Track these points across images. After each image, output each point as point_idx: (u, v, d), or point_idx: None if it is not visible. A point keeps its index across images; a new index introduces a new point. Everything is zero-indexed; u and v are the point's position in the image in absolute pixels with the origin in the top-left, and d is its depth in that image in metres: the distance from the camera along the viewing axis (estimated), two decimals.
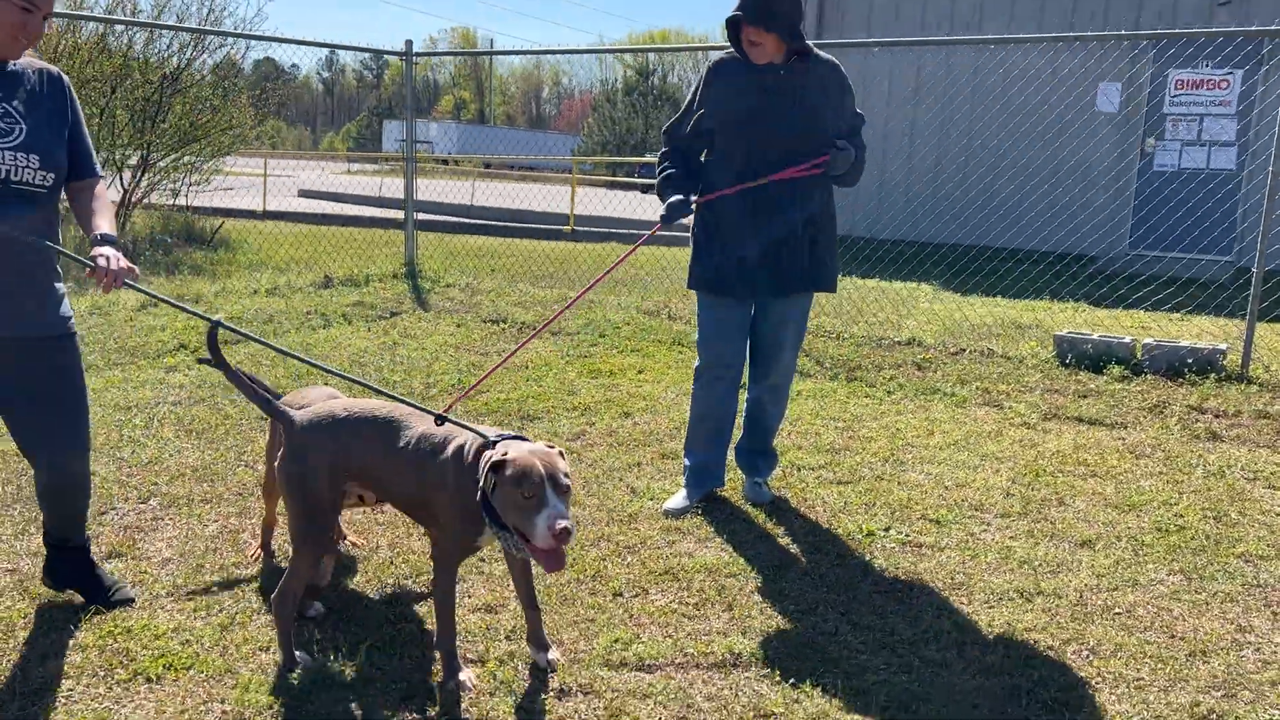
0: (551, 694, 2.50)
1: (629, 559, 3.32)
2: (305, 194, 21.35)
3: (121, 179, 10.79)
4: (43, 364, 2.69)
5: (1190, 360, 6.07)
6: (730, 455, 3.99)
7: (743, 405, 3.97)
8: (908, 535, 3.61)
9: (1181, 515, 3.86)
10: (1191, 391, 5.69)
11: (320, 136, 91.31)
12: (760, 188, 3.47)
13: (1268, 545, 3.59)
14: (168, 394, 5.05)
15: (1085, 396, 5.68)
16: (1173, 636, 2.92)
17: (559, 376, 5.70)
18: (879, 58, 12.90)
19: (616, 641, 2.75)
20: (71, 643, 2.67)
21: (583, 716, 2.42)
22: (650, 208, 16.71)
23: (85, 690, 2.46)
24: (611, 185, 35.56)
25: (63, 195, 2.77)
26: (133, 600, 2.91)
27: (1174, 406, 5.46)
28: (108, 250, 2.61)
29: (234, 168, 18.85)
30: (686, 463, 3.88)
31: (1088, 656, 2.79)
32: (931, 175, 13.19)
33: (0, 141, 2.55)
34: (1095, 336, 6.45)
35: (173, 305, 2.86)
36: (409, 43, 9.13)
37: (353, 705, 2.43)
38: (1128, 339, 6.36)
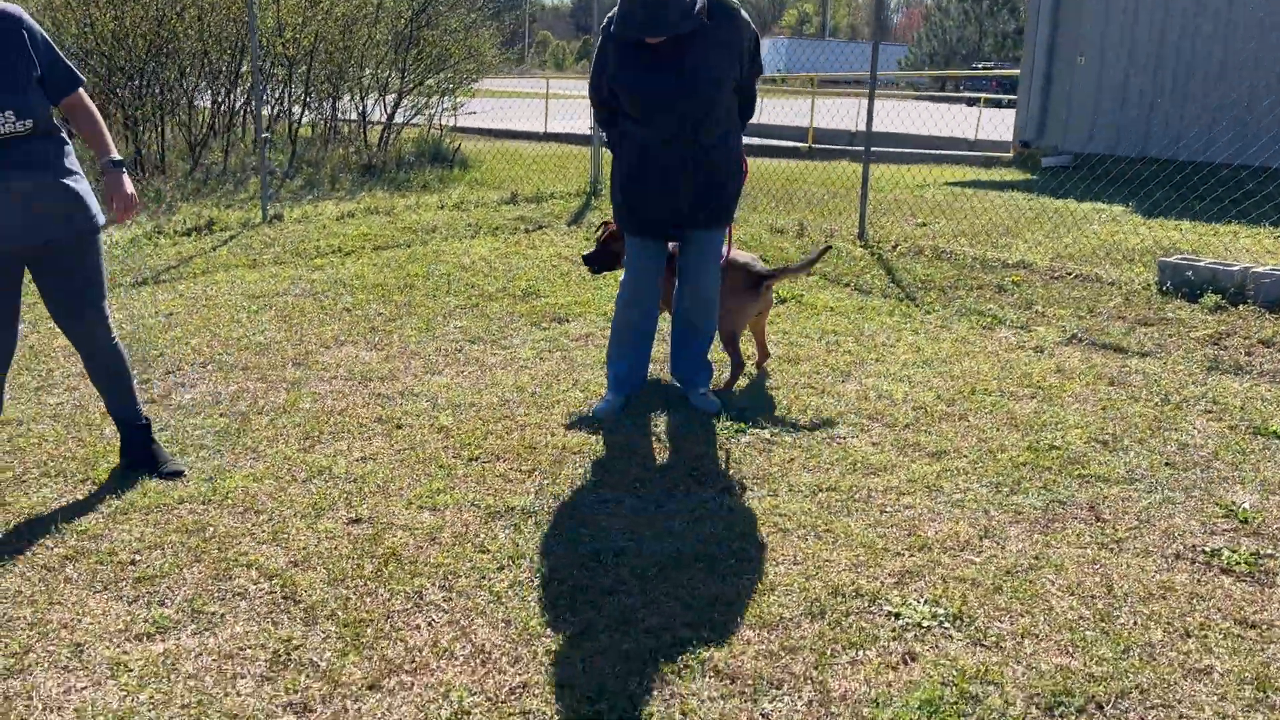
0: None
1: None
2: None
3: (384, 102, 12.45)
4: (68, 261, 3.27)
5: None
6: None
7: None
8: (772, 434, 3.94)
9: (1068, 440, 3.86)
10: (1276, 325, 5.26)
11: None
12: (661, 149, 3.87)
13: (1123, 469, 3.57)
14: (294, 287, 6.25)
15: (1148, 324, 5.43)
16: (908, 534, 3.14)
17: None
18: None
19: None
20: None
21: None
22: (957, 124, 16.32)
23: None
24: (935, 99, 34.36)
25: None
26: (182, 473, 3.48)
27: (1234, 339, 5.12)
28: (120, 182, 3.29)
29: (517, 88, 20.47)
30: (609, 371, 4.34)
31: (813, 539, 3.10)
32: (1161, 83, 11.94)
33: None
34: (1203, 263, 6.02)
35: None
36: None
37: None
38: (1237, 266, 5.88)
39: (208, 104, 11.77)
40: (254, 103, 8.68)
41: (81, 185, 3.28)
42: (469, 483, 3.49)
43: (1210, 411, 4.15)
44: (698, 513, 3.28)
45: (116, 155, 3.37)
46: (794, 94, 27.07)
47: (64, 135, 3.28)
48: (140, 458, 3.55)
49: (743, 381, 4.54)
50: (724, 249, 4.23)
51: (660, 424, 4.07)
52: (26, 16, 3.14)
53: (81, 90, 3.31)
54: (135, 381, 3.61)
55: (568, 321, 5.53)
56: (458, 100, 13.28)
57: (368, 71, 11.84)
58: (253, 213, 8.51)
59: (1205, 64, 11.69)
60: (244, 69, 10.93)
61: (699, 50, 3.71)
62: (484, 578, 2.87)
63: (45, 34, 3.21)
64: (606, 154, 11.49)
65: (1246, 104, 11.08)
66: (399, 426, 4.00)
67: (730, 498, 3.39)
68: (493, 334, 5.29)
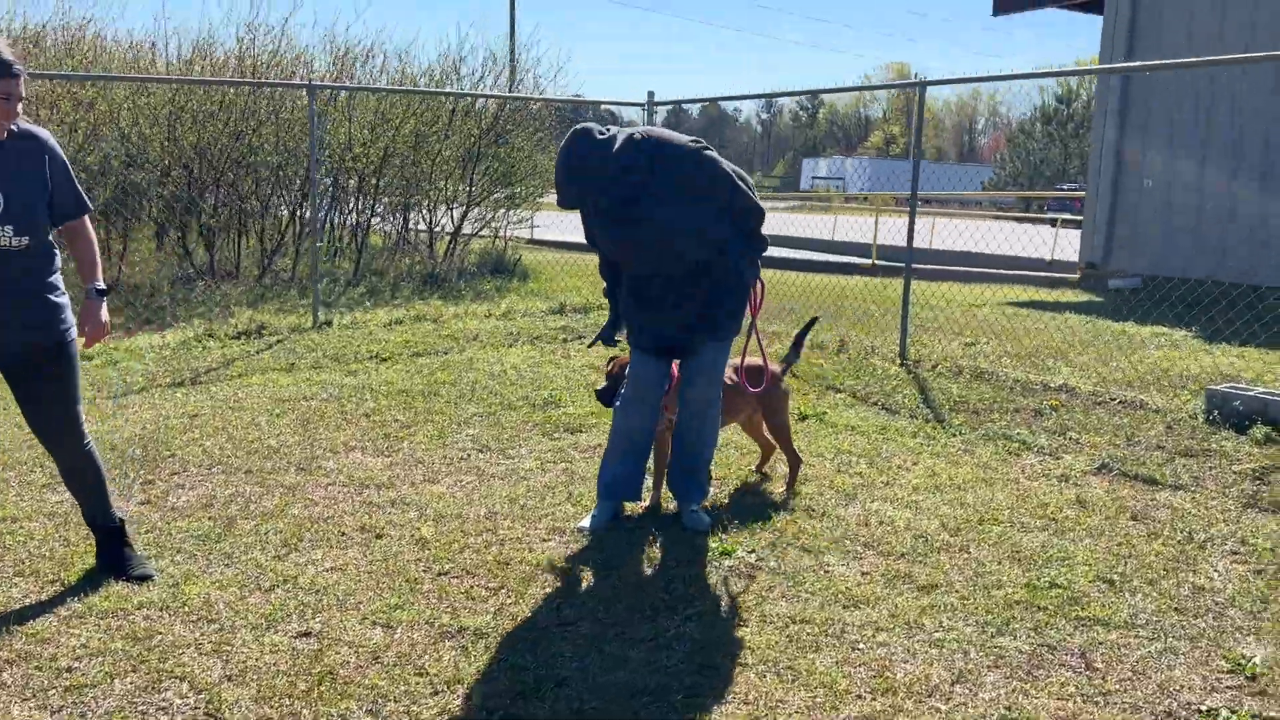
0: None
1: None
2: None
3: (452, 214, 12.84)
4: (45, 370, 3.32)
5: None
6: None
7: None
8: (759, 558, 3.78)
9: (1072, 578, 3.61)
10: None
11: (763, 175, 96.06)
12: (650, 281, 3.95)
13: (1126, 613, 3.31)
14: (321, 392, 6.34)
15: (1188, 455, 5.14)
16: (876, 674, 2.94)
17: None
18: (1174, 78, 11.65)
19: None
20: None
21: None
22: (1034, 244, 16.20)
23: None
24: (1020, 220, 34.17)
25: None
26: (151, 577, 3.45)
27: (1278, 476, 4.80)
28: (97, 309, 3.40)
29: None
30: (599, 480, 4.25)
31: (772, 676, 2.91)
32: (1230, 208, 11.59)
33: None
34: (1254, 391, 5.71)
35: None
36: (650, 94, 10.06)
37: None
38: None
39: (286, 214, 12.27)
40: (310, 212, 8.98)
41: (62, 299, 3.38)
42: (430, 599, 3.40)
43: (1237, 553, 3.86)
44: (658, 641, 3.13)
45: (101, 285, 3.50)
46: (866, 211, 27.16)
47: (55, 250, 3.38)
48: (111, 560, 3.55)
49: (744, 499, 4.40)
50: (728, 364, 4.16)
51: (646, 542, 3.94)
52: (51, 140, 3.31)
53: (86, 218, 3.46)
54: (109, 484, 3.62)
55: (581, 432, 5.47)
56: (522, 214, 13.60)
57: (436, 185, 12.23)
58: (304, 318, 8.74)
59: (1277, 185, 11.36)
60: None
61: (662, 198, 3.71)
62: (414, 703, 2.75)
63: (66, 159, 3.37)
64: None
65: None
66: (379, 536, 3.96)
67: (696, 626, 3.23)
68: (502, 443, 5.25)
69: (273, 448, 5.13)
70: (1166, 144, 12.28)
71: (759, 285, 4.07)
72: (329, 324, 8.61)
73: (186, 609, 3.29)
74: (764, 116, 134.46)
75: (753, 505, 4.37)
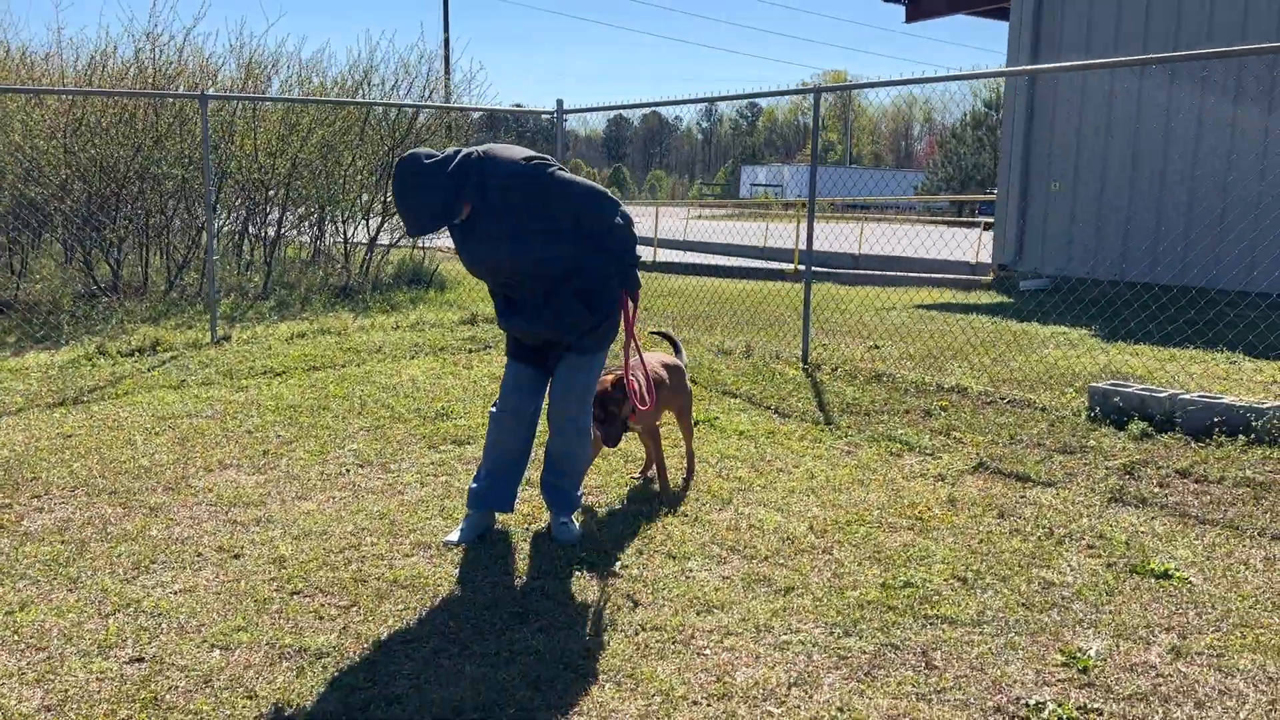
0: None
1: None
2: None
3: (368, 225, 12.68)
4: None
5: (1225, 420, 5.34)
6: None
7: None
8: (622, 566, 3.75)
9: (928, 577, 3.64)
10: (1199, 454, 5.04)
11: (703, 183, 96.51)
12: (512, 292, 3.93)
13: (974, 610, 3.34)
14: (206, 409, 6.19)
15: (1066, 453, 5.23)
16: (716, 679, 2.92)
17: None
18: (1093, 78, 11.92)
19: None
20: None
21: None
22: (961, 248, 16.46)
23: None
24: (951, 224, 34.74)
25: None
26: None
27: (1150, 469, 4.90)
28: None
29: None
30: (469, 489, 4.19)
31: (611, 686, 2.89)
32: (1135, 207, 11.90)
33: None
34: (1132, 388, 5.83)
35: None
36: (559, 102, 10.03)
37: None
38: (1165, 393, 5.68)
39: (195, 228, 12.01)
40: (206, 225, 8.80)
41: None
42: (277, 619, 3.32)
43: (1093, 547, 3.92)
44: (503, 655, 3.08)
45: None
46: (792, 219, 27.41)
47: None
48: None
49: (618, 505, 4.38)
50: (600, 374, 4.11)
51: (512, 555, 3.90)
52: None
53: None
54: None
55: (468, 444, 5.41)
56: None
57: (349, 196, 12.07)
58: (203, 334, 8.55)
59: (1176, 188, 11.67)
60: (222, 194, 11.19)
61: (500, 217, 3.67)
62: None
63: None
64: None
65: (1219, 227, 11.01)
66: (236, 556, 3.86)
67: (544, 638, 3.19)
68: (385, 457, 5.17)
69: (144, 467, 4.99)
70: (1071, 147, 12.55)
71: (626, 299, 4.02)
72: (228, 339, 8.44)
73: (17, 637, 3.17)
74: (704, 125, 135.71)
75: (628, 513, 4.35)
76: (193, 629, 3.25)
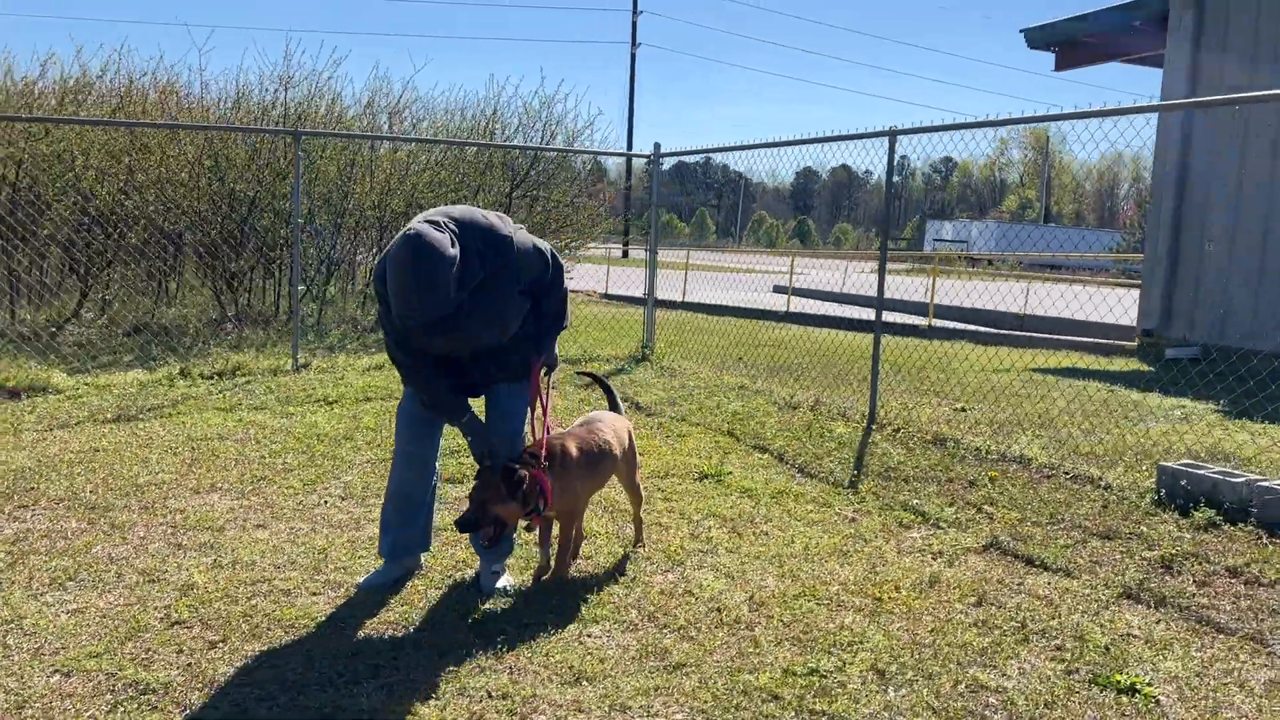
0: None
1: None
2: (779, 289, 22.81)
3: None
4: None
5: None
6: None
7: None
8: (526, 623, 3.47)
9: (845, 668, 3.18)
10: (1263, 552, 4.31)
11: (895, 235, 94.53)
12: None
13: (874, 711, 2.87)
14: (239, 432, 6.31)
15: (1106, 538, 4.58)
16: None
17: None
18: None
19: None
20: None
21: None
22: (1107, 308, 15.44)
23: None
24: (1123, 286, 32.55)
25: None
26: None
27: (1194, 564, 4.21)
28: None
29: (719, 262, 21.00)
30: (382, 539, 3.97)
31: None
32: None
33: None
34: (1205, 471, 5.08)
35: None
36: (656, 145, 9.92)
37: None
38: (1243, 478, 4.91)
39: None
40: (294, 259, 9.11)
41: None
42: (138, 650, 3.23)
43: (1061, 649, 3.34)
44: (325, 711, 2.87)
45: None
46: (985, 275, 26.34)
47: None
48: None
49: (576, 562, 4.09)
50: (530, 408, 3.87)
51: (417, 602, 3.68)
52: None
53: None
54: None
55: (461, 483, 5.25)
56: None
57: None
58: (285, 361, 8.82)
59: None
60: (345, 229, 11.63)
61: (493, 289, 3.51)
62: None
63: None
64: (662, 318, 11.35)
65: None
66: (152, 580, 3.82)
67: (382, 696, 2.96)
68: (370, 491, 5.09)
69: (139, 485, 5.08)
70: (1231, 199, 11.38)
71: (539, 368, 3.82)
72: (306, 367, 8.66)
73: None
74: (895, 179, 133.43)
75: (574, 569, 4.05)
76: (50, 651, 3.19)
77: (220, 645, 3.27)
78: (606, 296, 20.17)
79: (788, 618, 3.57)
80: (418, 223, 3.33)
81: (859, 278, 30.15)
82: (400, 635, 3.40)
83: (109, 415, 6.77)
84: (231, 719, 2.81)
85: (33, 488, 4.99)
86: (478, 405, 3.85)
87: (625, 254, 35.54)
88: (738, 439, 6.41)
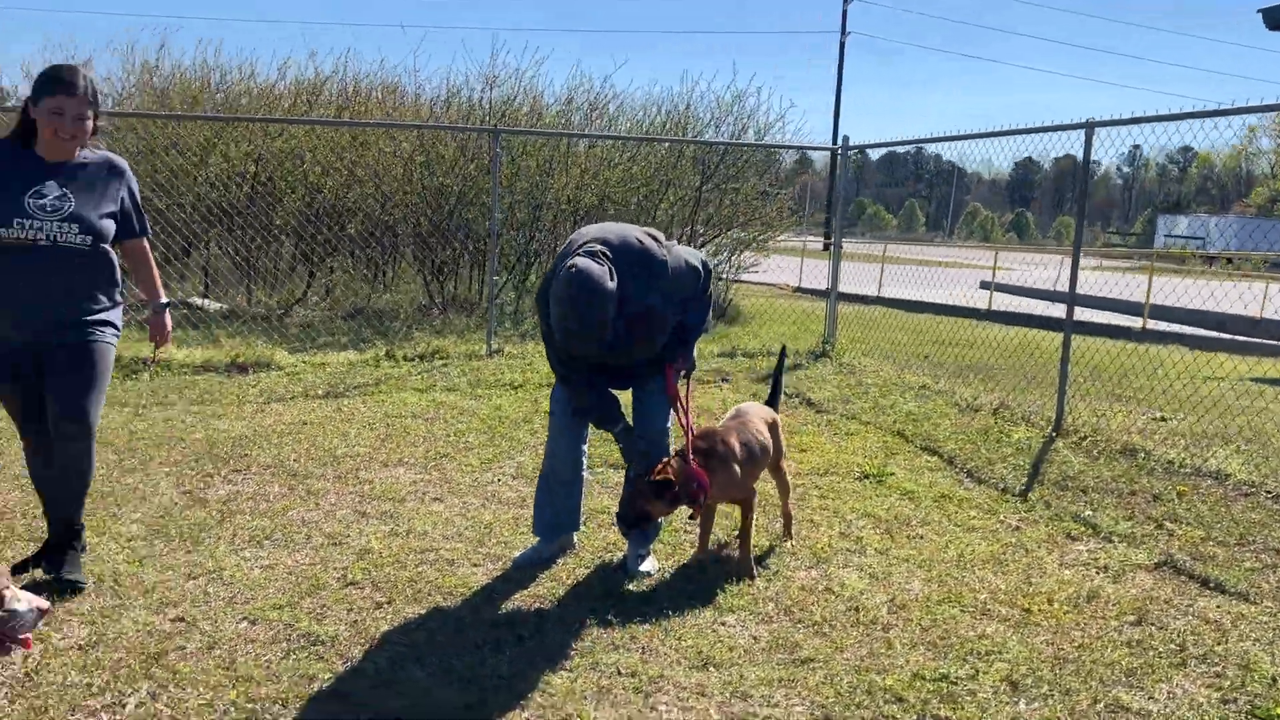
0: None
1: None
2: (985, 286, 22.12)
3: None
4: (78, 364, 3.56)
5: None
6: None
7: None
8: (657, 610, 3.61)
9: (978, 676, 3.13)
10: None
11: (1114, 231, 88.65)
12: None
13: None
14: (429, 412, 6.76)
15: None
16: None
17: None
18: None
19: None
20: None
21: None
22: None
23: None
24: None
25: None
26: (80, 586, 3.58)
27: None
28: (161, 321, 3.86)
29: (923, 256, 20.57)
30: (535, 517, 4.18)
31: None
32: None
33: (54, 215, 3.45)
34: None
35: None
36: (845, 138, 9.81)
37: None
38: None
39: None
40: (492, 250, 9.59)
41: (112, 310, 3.69)
42: (314, 605, 3.57)
43: (1220, 676, 3.15)
44: (466, 675, 3.10)
45: (164, 299, 3.93)
46: (1219, 275, 24.44)
47: (113, 261, 3.73)
48: (53, 556, 3.66)
49: (719, 551, 4.19)
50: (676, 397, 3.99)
51: (566, 579, 3.88)
52: (129, 170, 3.76)
53: (145, 240, 3.85)
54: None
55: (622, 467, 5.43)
56: (741, 259, 13.60)
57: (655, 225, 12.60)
58: (479, 346, 9.32)
59: None
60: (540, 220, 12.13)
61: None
62: (197, 688, 2.93)
63: (137, 189, 3.80)
64: (851, 313, 11.16)
65: None
66: (335, 544, 4.20)
67: (522, 665, 3.16)
68: None
69: (336, 456, 5.56)
70: None
71: (671, 373, 3.92)
72: (499, 352, 9.12)
73: (115, 584, 3.68)
74: (1125, 170, 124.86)
75: (713, 558, 4.15)
76: (241, 601, 3.59)
77: (385, 606, 3.58)
78: (799, 290, 20.02)
79: (926, 622, 3.53)
80: (579, 256, 3.47)
81: (1082, 275, 28.41)
82: (545, 609, 3.60)
83: (320, 391, 7.39)
84: (384, 672, 3.08)
85: (246, 454, 5.55)
86: (625, 397, 4.00)
87: (826, 247, 35.21)
88: (907, 440, 6.30)
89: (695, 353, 4.01)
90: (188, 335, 9.40)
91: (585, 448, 4.15)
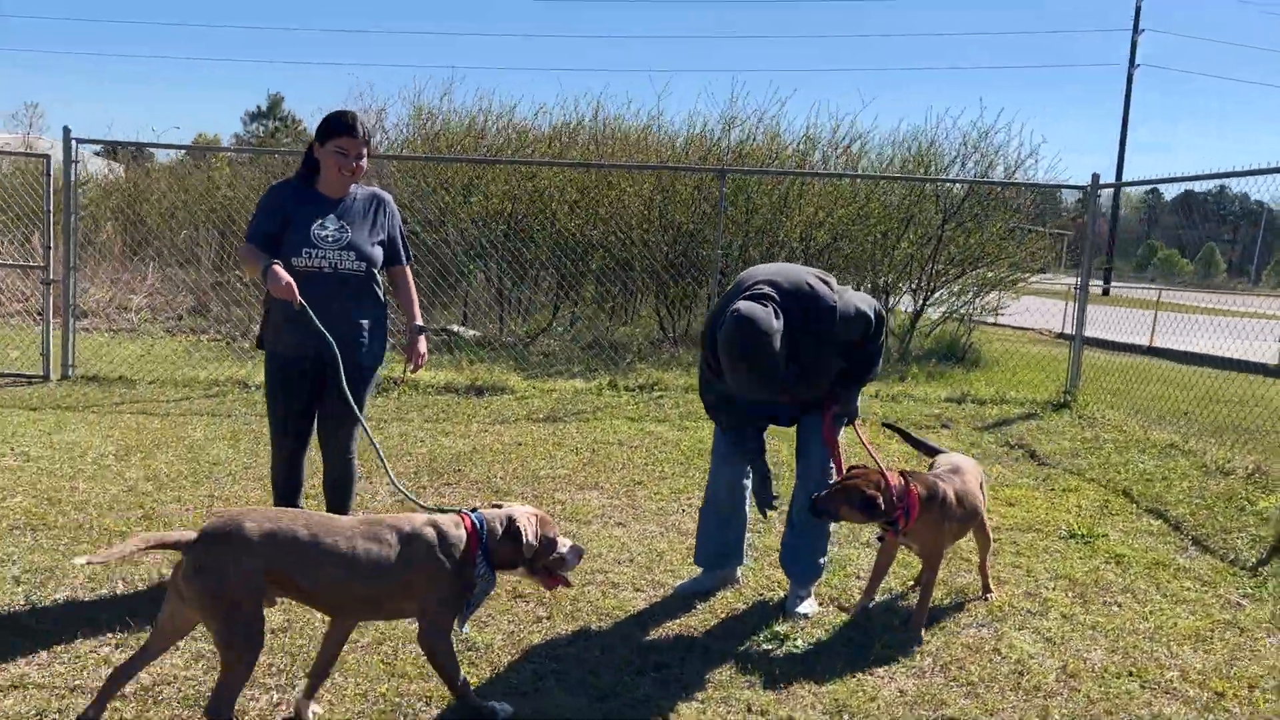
0: None
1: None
2: None
3: (914, 297, 12.81)
4: (351, 384, 3.84)
5: None
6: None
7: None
8: (802, 654, 3.57)
9: None
10: None
11: None
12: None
13: None
14: (609, 437, 6.97)
15: None
16: None
17: None
18: None
19: None
20: None
21: None
22: None
23: None
24: None
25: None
26: None
27: None
28: (417, 342, 4.15)
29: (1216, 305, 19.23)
30: (698, 549, 4.24)
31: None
32: None
33: (334, 244, 3.87)
34: None
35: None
36: (1095, 176, 9.23)
37: None
38: None
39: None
40: (713, 286, 9.74)
41: (382, 332, 4.08)
42: (482, 613, 3.78)
43: None
44: (599, 692, 3.20)
45: (420, 322, 4.27)
46: None
47: (380, 286, 4.14)
48: None
49: (886, 599, 4.08)
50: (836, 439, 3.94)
51: (719, 611, 3.91)
52: (392, 202, 4.19)
53: (407, 266, 4.22)
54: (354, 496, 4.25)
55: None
56: (988, 301, 12.99)
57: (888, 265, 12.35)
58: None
59: None
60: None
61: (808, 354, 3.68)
62: (347, 680, 3.21)
63: (400, 219, 4.22)
64: (1108, 362, 10.37)
65: None
66: None
67: (654, 690, 3.23)
68: None
69: (539, 477, 5.86)
70: None
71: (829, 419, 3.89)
72: None
73: None
74: None
75: (882, 606, 4.03)
76: None
77: (544, 621, 3.75)
78: (1062, 336, 18.81)
79: (1095, 694, 3.27)
80: (744, 300, 3.48)
81: None
82: (693, 638, 3.64)
83: (541, 416, 7.80)
84: (525, 684, 3.23)
85: (460, 469, 5.97)
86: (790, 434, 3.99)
87: (1106, 291, 32.71)
88: (1133, 500, 5.81)
89: (860, 400, 3.94)
90: (440, 359, 10.17)
91: (748, 481, 4.16)
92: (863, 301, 3.78)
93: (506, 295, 12.74)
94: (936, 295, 12.75)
